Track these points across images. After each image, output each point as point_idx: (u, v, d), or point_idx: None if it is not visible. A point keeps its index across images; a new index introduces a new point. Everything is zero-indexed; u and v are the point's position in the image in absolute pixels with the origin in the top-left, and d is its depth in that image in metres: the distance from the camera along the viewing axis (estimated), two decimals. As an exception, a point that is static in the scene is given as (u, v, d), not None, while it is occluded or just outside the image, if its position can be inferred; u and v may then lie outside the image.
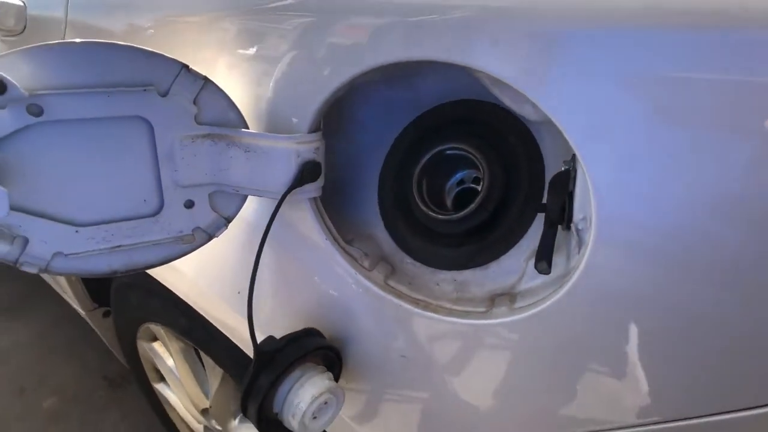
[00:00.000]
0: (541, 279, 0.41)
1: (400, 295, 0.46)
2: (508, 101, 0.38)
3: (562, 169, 0.38)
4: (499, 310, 0.41)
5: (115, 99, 0.41)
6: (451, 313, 0.44)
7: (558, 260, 0.40)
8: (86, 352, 1.73)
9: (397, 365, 0.48)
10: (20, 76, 0.37)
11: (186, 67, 0.42)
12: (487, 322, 0.41)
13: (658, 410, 0.35)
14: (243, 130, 0.45)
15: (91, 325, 1.28)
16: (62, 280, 1.22)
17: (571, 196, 0.37)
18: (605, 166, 0.32)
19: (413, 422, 0.50)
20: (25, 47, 0.37)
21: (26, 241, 0.41)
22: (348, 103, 0.50)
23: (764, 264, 0.29)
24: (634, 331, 0.34)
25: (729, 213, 0.29)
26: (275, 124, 0.47)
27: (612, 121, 0.31)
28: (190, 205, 0.46)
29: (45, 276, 1.40)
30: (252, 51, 0.49)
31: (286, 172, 0.44)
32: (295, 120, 0.46)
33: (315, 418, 0.46)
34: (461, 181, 0.51)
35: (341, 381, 0.51)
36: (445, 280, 0.47)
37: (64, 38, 0.67)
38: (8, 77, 0.35)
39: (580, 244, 0.36)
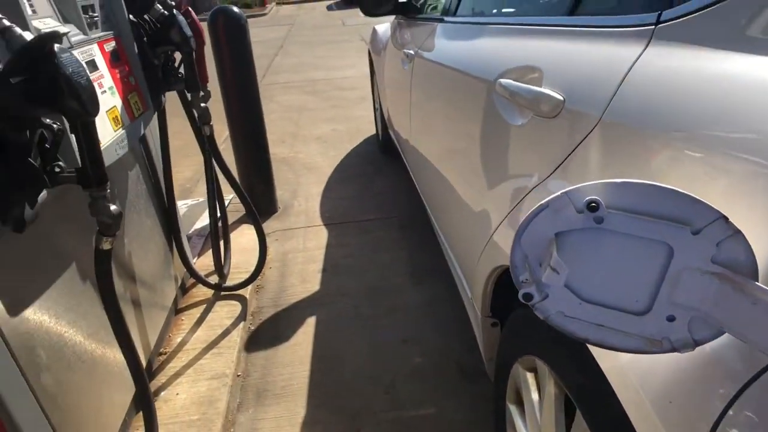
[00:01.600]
0: None
1: None
2: None
3: None
4: None
5: (654, 226, 0.52)
6: None
7: None
8: (456, 334, 2.10)
9: None
10: (599, 193, 0.53)
11: (724, 218, 0.50)
12: None
13: None
14: (757, 283, 0.49)
15: (475, 326, 1.55)
16: (475, 283, 1.51)
17: None
18: None
19: None
20: (607, 180, 0.53)
21: (547, 296, 0.59)
22: None
23: None
24: None
25: None
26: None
27: None
28: (671, 319, 0.55)
29: (455, 272, 1.78)
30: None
31: (791, 337, 0.47)
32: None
33: None
34: None
35: None
36: None
37: (590, 131, 0.85)
38: (602, 201, 0.51)
39: None
